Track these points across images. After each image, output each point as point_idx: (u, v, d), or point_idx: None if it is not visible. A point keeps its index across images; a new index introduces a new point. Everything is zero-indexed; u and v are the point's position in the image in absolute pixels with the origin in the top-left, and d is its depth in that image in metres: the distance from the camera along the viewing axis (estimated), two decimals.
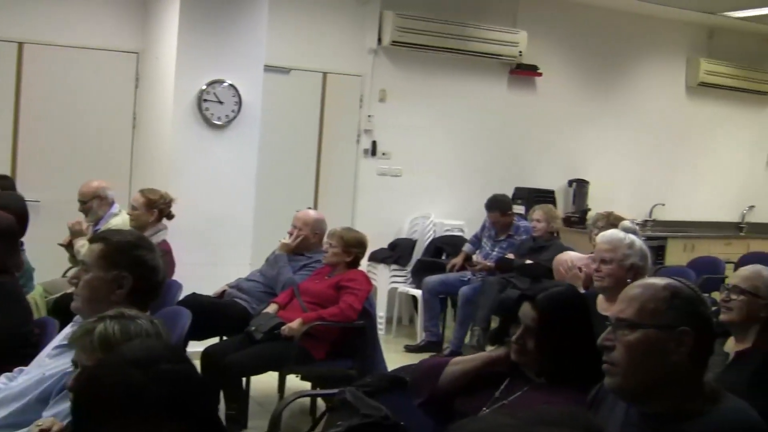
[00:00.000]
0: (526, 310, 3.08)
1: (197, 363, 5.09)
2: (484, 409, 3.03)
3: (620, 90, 10.75)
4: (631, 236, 4.45)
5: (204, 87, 7.28)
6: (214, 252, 7.28)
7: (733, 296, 3.77)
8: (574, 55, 10.32)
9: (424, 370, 3.32)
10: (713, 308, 4.08)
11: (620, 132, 10.76)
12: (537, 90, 10.02)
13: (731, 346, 3.80)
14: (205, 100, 7.28)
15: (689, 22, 10.93)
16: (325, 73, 8.85)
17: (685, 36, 11.15)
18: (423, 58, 9.17)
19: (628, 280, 3.99)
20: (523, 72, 9.80)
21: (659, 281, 2.47)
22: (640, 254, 4.36)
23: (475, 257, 8.37)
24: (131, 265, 3.22)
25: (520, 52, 9.55)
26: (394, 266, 8.74)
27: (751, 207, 12.01)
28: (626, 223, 6.36)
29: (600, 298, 4.40)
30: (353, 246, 5.85)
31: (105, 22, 7.92)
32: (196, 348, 5.40)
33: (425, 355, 7.03)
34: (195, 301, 5.49)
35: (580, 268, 4.94)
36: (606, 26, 10.49)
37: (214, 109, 7.32)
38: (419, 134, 9.29)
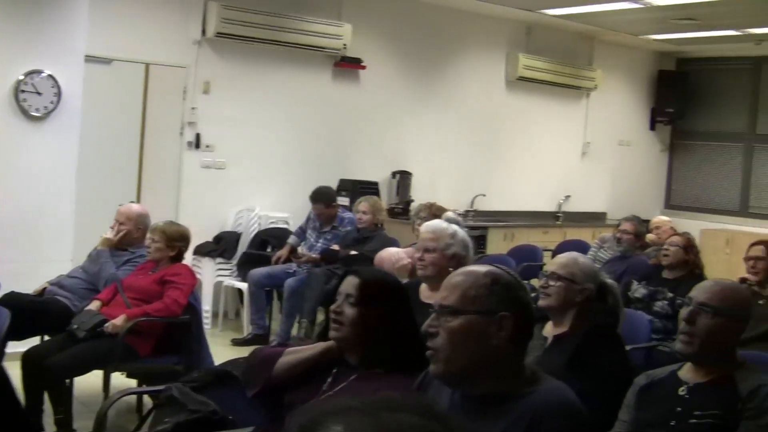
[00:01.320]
0: (348, 281, 3.13)
1: (17, 365, 5.03)
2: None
3: (442, 83, 11.00)
4: (454, 226, 4.55)
5: (21, 77, 7.05)
6: (34, 248, 7.08)
7: (551, 282, 3.94)
8: (398, 48, 10.50)
9: (258, 361, 3.28)
10: (532, 294, 4.29)
11: (442, 124, 11.00)
12: (361, 83, 10.15)
13: (549, 330, 3.96)
14: (23, 91, 7.06)
15: (508, 18, 11.28)
16: (147, 64, 8.74)
17: (505, 32, 11.50)
18: (248, 49, 9.15)
19: (450, 269, 4.09)
20: (348, 65, 9.91)
21: (480, 269, 2.54)
22: (462, 244, 4.47)
23: (300, 249, 8.45)
24: None
25: (345, 45, 9.64)
26: (219, 260, 8.71)
27: (567, 197, 12.50)
28: (449, 215, 6.59)
29: (423, 286, 4.48)
30: (176, 240, 5.81)
31: None
32: (16, 348, 5.29)
33: (252, 349, 7.03)
34: (14, 300, 5.39)
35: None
36: (429, 21, 10.71)
37: (32, 100, 7.10)
38: (244, 127, 9.27)
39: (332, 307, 3.10)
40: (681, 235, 7.01)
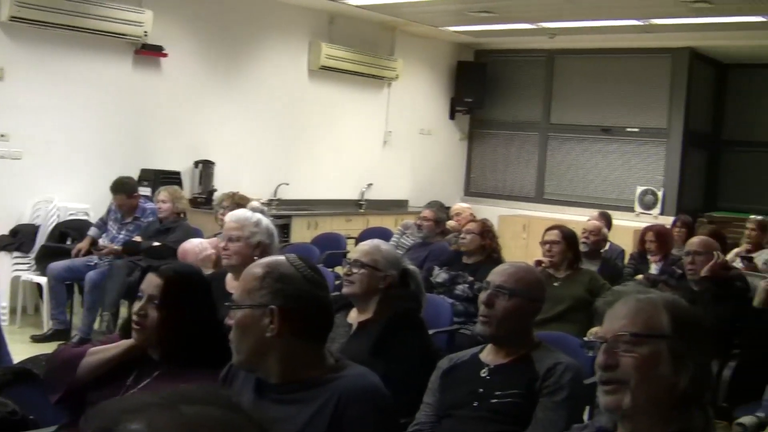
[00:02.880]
0: (150, 280, 3.12)
1: None
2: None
3: (245, 72, 11.07)
4: (258, 215, 4.67)
5: None
6: None
7: (355, 270, 4.07)
8: (200, 36, 10.48)
9: (60, 363, 3.20)
10: (336, 282, 4.45)
11: (245, 113, 11.06)
12: (162, 71, 10.07)
13: (354, 317, 4.10)
14: None
15: (311, 7, 11.47)
16: None
17: (308, 20, 11.67)
18: (45, 35, 8.90)
19: (255, 258, 4.20)
20: (149, 52, 9.78)
21: (264, 260, 2.65)
22: (266, 232, 4.58)
23: (101, 241, 8.37)
24: None
25: (146, 32, 9.52)
26: (16, 253, 8.48)
27: (370, 185, 12.80)
28: (254, 204, 6.71)
29: (229, 276, 4.58)
30: None
31: None
32: None
33: (53, 345, 6.94)
34: None
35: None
36: (232, 8, 10.74)
37: None
38: (41, 115, 9.01)
39: (135, 309, 3.09)
40: (476, 222, 7.33)
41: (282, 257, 2.66)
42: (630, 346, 2.14)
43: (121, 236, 8.33)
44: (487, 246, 6.99)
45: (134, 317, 3.07)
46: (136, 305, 3.10)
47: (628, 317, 2.19)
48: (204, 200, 10.18)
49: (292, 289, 2.54)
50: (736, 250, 8.76)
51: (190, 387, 1.19)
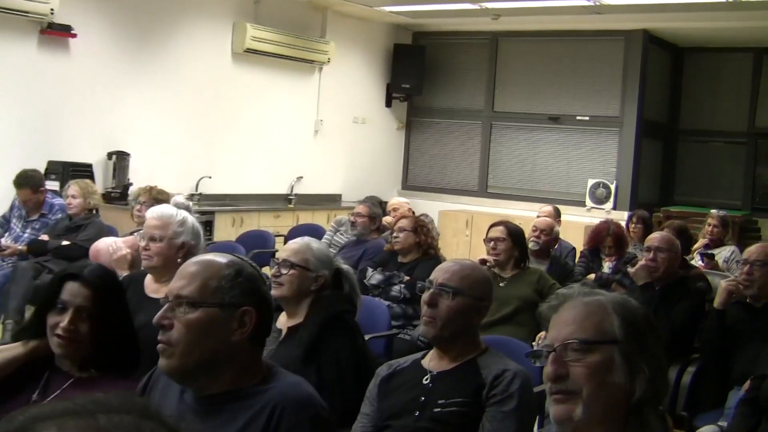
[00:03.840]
0: (73, 290, 3.03)
1: None
2: None
3: (163, 55, 10.93)
4: (184, 213, 4.57)
5: None
6: None
7: (284, 271, 4.03)
8: (113, 15, 10.30)
9: None
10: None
11: (164, 100, 10.94)
12: (71, 53, 9.89)
13: (283, 321, 4.06)
14: None
15: None
16: None
17: (231, 0, 11.57)
18: None
19: (179, 260, 4.14)
20: (56, 32, 9.60)
21: (221, 258, 2.60)
22: (192, 232, 4.49)
23: (4, 241, 8.22)
24: None
25: (52, 9, 9.34)
26: None
27: (300, 178, 12.78)
28: (179, 199, 6.61)
29: (148, 278, 4.48)
30: None
31: None
32: None
33: None
34: None
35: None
36: None
37: None
38: None
39: (63, 324, 2.97)
40: (408, 218, 7.29)
41: (230, 255, 2.64)
42: (580, 354, 2.14)
43: (26, 235, 8.22)
44: (422, 243, 6.96)
45: (61, 332, 2.97)
46: (59, 319, 2.99)
47: (575, 323, 2.19)
48: (118, 195, 10.06)
49: (261, 291, 2.59)
50: (694, 246, 8.84)
51: (107, 395, 1.18)
